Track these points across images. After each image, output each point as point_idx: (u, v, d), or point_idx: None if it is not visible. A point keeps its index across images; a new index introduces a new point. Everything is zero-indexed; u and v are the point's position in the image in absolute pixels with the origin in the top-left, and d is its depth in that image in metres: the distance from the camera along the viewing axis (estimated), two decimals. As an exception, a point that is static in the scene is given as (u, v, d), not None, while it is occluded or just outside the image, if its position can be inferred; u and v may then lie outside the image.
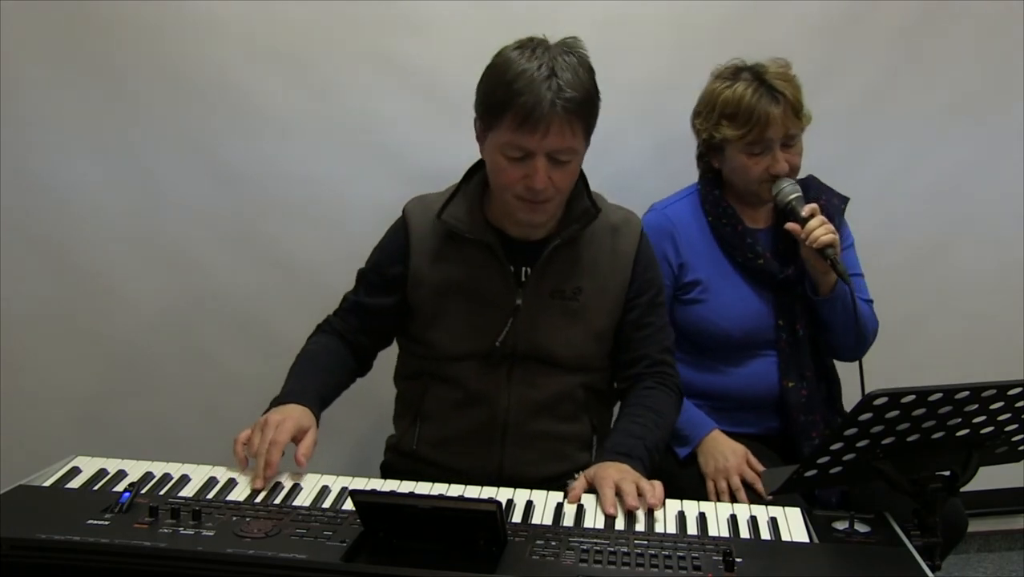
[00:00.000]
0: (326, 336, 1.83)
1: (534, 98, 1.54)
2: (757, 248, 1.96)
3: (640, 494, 1.46)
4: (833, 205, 2.00)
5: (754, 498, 1.75)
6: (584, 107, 1.59)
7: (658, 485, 1.49)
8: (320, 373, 1.75)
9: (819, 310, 1.94)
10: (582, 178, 1.72)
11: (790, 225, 1.87)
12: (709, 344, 1.98)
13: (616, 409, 1.86)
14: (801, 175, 2.02)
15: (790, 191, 1.90)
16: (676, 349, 1.87)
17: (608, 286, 1.75)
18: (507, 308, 1.71)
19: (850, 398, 2.00)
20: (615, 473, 1.51)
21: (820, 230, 1.83)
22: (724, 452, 1.85)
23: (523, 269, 1.72)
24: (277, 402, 1.63)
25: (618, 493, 1.46)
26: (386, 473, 1.85)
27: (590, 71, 1.63)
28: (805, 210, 1.86)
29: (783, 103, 1.88)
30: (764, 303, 1.97)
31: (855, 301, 1.86)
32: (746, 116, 1.88)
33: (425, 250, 1.73)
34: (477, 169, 1.77)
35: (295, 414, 1.58)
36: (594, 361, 1.79)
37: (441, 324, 1.73)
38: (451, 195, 1.75)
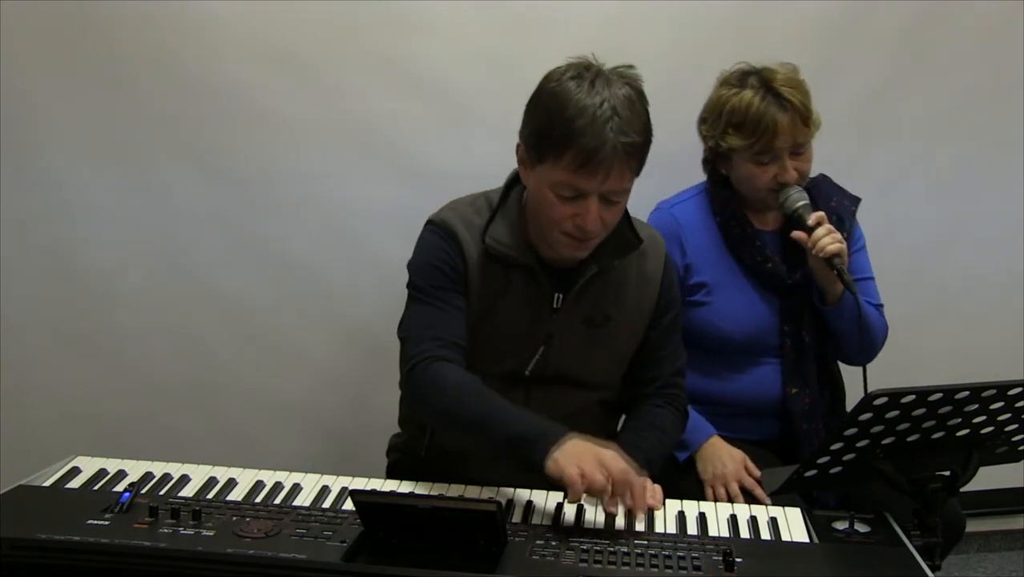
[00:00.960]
0: (447, 366, 1.59)
1: (597, 140, 1.47)
2: (766, 251, 1.93)
3: (641, 495, 1.46)
4: (844, 207, 1.98)
5: (752, 503, 1.73)
6: (643, 148, 1.54)
7: (658, 488, 1.50)
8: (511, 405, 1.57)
9: (827, 319, 1.92)
10: None
11: (796, 234, 1.84)
12: (711, 347, 1.95)
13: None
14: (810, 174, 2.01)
15: (797, 198, 1.86)
16: None
17: (636, 312, 1.73)
18: (540, 335, 1.68)
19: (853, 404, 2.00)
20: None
21: (827, 239, 1.79)
22: (723, 458, 1.84)
23: (556, 295, 1.68)
24: (547, 441, 1.42)
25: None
26: (393, 474, 1.83)
27: (646, 104, 1.56)
28: (812, 218, 1.83)
29: (791, 111, 1.82)
30: (770, 308, 1.94)
31: (861, 310, 1.80)
32: (753, 125, 1.83)
33: (473, 264, 1.67)
34: (513, 183, 1.71)
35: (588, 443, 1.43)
36: (614, 380, 1.79)
37: (473, 342, 1.67)
38: (492, 214, 1.68)
